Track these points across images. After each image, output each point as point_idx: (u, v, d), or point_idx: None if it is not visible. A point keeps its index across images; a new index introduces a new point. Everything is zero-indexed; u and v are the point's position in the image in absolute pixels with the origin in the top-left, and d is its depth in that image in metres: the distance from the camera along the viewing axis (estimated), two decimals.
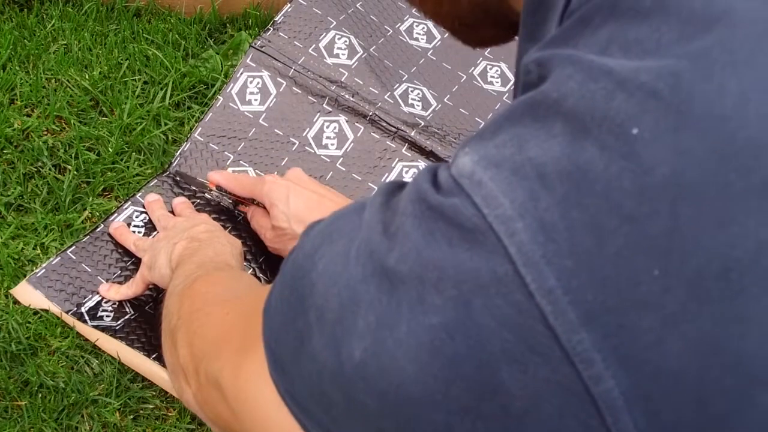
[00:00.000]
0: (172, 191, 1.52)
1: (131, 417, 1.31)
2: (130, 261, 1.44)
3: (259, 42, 1.62)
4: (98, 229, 1.46)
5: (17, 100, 1.60)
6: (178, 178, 1.54)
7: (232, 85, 1.60)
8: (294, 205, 1.36)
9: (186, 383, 0.88)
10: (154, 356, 1.34)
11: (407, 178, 1.54)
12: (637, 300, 0.47)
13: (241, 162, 1.55)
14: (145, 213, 1.48)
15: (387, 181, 0.54)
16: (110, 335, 1.35)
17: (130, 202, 1.49)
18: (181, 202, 1.49)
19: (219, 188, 1.46)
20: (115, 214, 1.48)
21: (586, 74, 0.50)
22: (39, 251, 1.43)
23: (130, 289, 1.39)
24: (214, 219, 1.48)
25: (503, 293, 0.49)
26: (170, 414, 1.32)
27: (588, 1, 0.53)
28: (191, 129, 1.58)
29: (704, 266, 0.47)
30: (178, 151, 1.55)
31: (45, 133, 1.57)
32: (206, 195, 1.52)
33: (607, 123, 0.48)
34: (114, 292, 1.39)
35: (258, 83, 1.60)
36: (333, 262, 0.57)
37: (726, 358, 0.47)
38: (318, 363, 0.57)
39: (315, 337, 0.57)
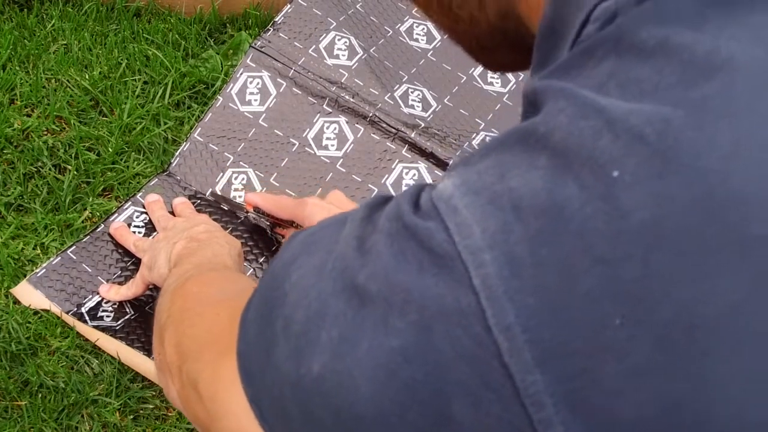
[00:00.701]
0: (173, 191, 1.52)
1: (131, 417, 1.31)
2: (131, 261, 1.44)
3: (259, 42, 1.62)
4: (98, 229, 1.46)
5: (17, 100, 1.60)
6: (179, 178, 1.54)
7: (231, 85, 1.60)
8: None
9: (171, 381, 0.88)
10: (153, 357, 1.34)
11: (407, 179, 1.54)
12: (601, 345, 0.46)
13: (240, 163, 1.55)
14: (146, 213, 1.49)
15: (376, 194, 0.53)
16: (110, 335, 1.35)
17: (130, 202, 1.49)
18: (181, 202, 1.49)
19: (257, 210, 1.43)
20: (116, 214, 1.48)
21: (577, 110, 0.49)
22: (39, 251, 1.43)
23: (130, 290, 1.39)
24: (214, 219, 1.48)
25: (464, 324, 0.48)
26: (170, 414, 1.32)
27: (596, 32, 0.52)
28: (191, 128, 1.58)
29: (672, 320, 0.46)
30: (178, 151, 1.55)
31: (45, 133, 1.57)
32: (206, 196, 1.52)
33: (590, 162, 0.47)
34: (114, 292, 1.39)
35: (258, 83, 1.60)
36: (307, 274, 0.56)
37: (687, 418, 0.46)
38: (280, 374, 0.56)
39: (280, 347, 0.56)
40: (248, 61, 1.61)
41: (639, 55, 0.50)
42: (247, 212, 1.46)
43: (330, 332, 0.52)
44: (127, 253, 1.45)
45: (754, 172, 0.46)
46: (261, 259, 1.46)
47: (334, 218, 0.60)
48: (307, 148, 1.56)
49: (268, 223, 1.47)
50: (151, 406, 1.32)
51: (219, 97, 1.59)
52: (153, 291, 1.41)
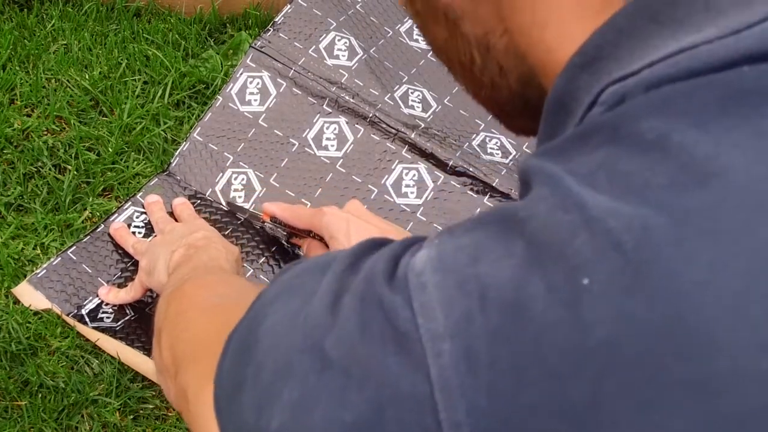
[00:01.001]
0: (173, 191, 1.52)
1: (131, 417, 1.31)
2: (131, 262, 1.44)
3: (259, 42, 1.62)
4: (98, 230, 1.46)
5: (17, 100, 1.60)
6: (179, 177, 1.54)
7: (231, 85, 1.60)
8: (355, 238, 1.30)
9: (168, 383, 0.88)
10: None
11: (407, 179, 1.54)
12: None
13: (240, 163, 1.55)
14: (146, 213, 1.49)
15: (367, 239, 0.52)
16: (110, 336, 1.35)
17: (130, 203, 1.50)
18: (181, 203, 1.49)
19: (273, 219, 1.42)
20: (116, 214, 1.48)
21: (559, 201, 0.47)
22: (39, 251, 1.44)
23: (129, 294, 1.39)
24: (214, 221, 1.49)
25: (416, 411, 0.47)
26: (170, 414, 1.32)
27: (601, 114, 0.51)
28: (191, 128, 1.58)
29: None
30: (178, 151, 1.55)
31: (45, 133, 1.57)
32: (206, 196, 1.52)
33: (562, 261, 0.46)
34: (113, 296, 1.39)
35: (258, 84, 1.60)
36: (281, 323, 0.56)
37: None
38: (242, 419, 0.56)
39: (246, 392, 0.56)
40: (248, 61, 1.61)
41: (635, 147, 0.48)
42: (263, 222, 1.45)
43: (292, 392, 0.51)
44: (127, 253, 1.45)
45: (728, 305, 0.43)
46: (261, 260, 1.46)
47: (320, 261, 0.59)
48: (306, 149, 1.56)
49: (284, 233, 1.47)
50: (151, 406, 1.32)
51: (219, 97, 1.59)
52: (152, 293, 1.41)
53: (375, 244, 0.56)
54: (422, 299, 0.48)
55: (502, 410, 0.45)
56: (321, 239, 1.36)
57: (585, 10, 0.55)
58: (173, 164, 1.54)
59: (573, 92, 0.54)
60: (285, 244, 1.49)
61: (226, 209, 1.52)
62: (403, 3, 0.67)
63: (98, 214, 1.48)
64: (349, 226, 1.31)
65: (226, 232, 1.48)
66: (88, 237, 1.45)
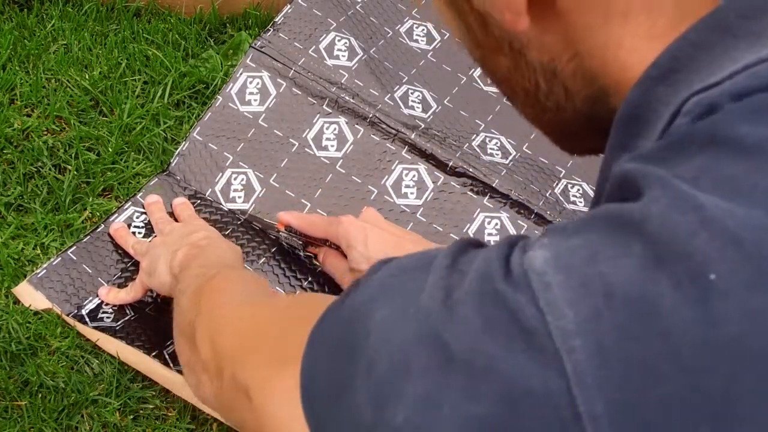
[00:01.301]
0: (173, 191, 1.52)
1: (131, 417, 1.31)
2: (131, 262, 1.44)
3: (259, 42, 1.62)
4: (99, 230, 1.46)
5: (17, 100, 1.60)
6: (179, 177, 1.54)
7: (231, 85, 1.60)
8: (373, 247, 1.32)
9: (207, 379, 0.89)
10: (154, 354, 1.34)
11: (407, 180, 1.54)
12: None
13: (240, 163, 1.55)
14: (146, 214, 1.49)
15: (460, 239, 0.55)
16: (110, 335, 1.35)
17: (130, 203, 1.50)
18: (181, 203, 1.49)
19: (288, 229, 1.42)
20: (116, 215, 1.48)
21: (673, 202, 0.50)
22: (39, 251, 1.44)
23: (129, 294, 1.39)
24: (214, 221, 1.49)
25: (552, 406, 0.49)
26: (170, 414, 1.32)
27: (688, 125, 0.53)
28: (191, 128, 1.58)
29: None
30: (177, 151, 1.55)
31: (45, 133, 1.57)
32: (206, 197, 1.52)
33: (685, 261, 0.48)
34: (113, 296, 1.40)
35: (258, 83, 1.60)
36: (392, 321, 0.57)
37: None
38: (355, 414, 0.57)
39: (360, 388, 0.57)
40: (248, 61, 1.61)
41: (735, 151, 0.50)
42: (279, 231, 1.44)
43: (416, 387, 0.53)
44: (127, 254, 1.45)
45: None
46: (261, 261, 1.46)
47: (417, 261, 0.61)
48: (306, 149, 1.56)
49: (300, 242, 1.46)
50: (151, 406, 1.32)
51: (218, 97, 1.59)
52: (152, 293, 1.41)
53: (468, 243, 0.59)
54: (548, 298, 0.50)
55: (637, 403, 0.47)
56: (337, 248, 1.37)
57: (657, 28, 0.58)
58: (173, 164, 1.54)
59: (649, 103, 0.57)
60: (300, 253, 1.49)
61: (226, 209, 1.52)
62: (461, 38, 0.68)
63: (98, 214, 1.48)
64: (366, 234, 1.32)
65: (226, 232, 1.48)
66: (89, 237, 1.45)
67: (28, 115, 1.58)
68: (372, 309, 0.59)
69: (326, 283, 1.45)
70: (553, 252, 0.52)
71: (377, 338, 0.57)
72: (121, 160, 1.55)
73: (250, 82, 1.60)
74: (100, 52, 1.68)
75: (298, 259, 1.48)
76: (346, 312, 0.62)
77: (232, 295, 0.98)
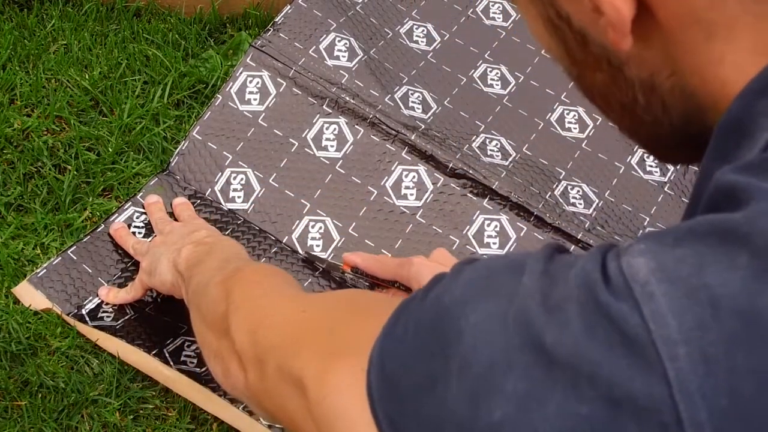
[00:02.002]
0: (173, 190, 1.52)
1: (131, 417, 1.31)
2: (131, 262, 1.44)
3: (259, 42, 1.62)
4: (99, 229, 1.46)
5: (17, 100, 1.60)
6: (178, 177, 1.54)
7: (231, 84, 1.60)
8: None
9: (240, 369, 0.90)
10: (154, 352, 1.34)
11: (407, 181, 1.54)
12: None
13: (239, 162, 1.55)
14: (146, 214, 1.49)
15: (547, 244, 0.57)
16: (110, 334, 1.35)
17: (130, 203, 1.50)
18: (181, 203, 1.49)
19: (355, 270, 1.39)
20: (116, 215, 1.48)
21: None
22: (39, 251, 1.44)
23: (129, 294, 1.39)
24: (214, 220, 1.49)
25: (654, 410, 0.50)
26: (170, 414, 1.32)
27: None
28: (189, 128, 1.58)
29: None
30: (177, 150, 1.55)
31: (45, 133, 1.57)
32: (206, 196, 1.52)
33: None
34: (113, 296, 1.40)
35: (258, 83, 1.60)
36: (488, 321, 0.58)
37: None
38: (446, 410, 0.58)
39: (452, 384, 0.58)
40: (248, 60, 1.61)
41: None
42: (344, 273, 1.43)
43: (516, 384, 0.54)
44: (127, 254, 1.45)
45: None
46: (262, 260, 1.46)
47: (506, 263, 0.62)
48: (306, 149, 1.57)
49: (366, 283, 1.44)
50: (151, 406, 1.32)
51: (218, 96, 1.59)
52: (152, 292, 1.41)
53: (556, 248, 0.60)
54: (652, 307, 0.51)
55: (744, 411, 0.49)
56: (407, 289, 1.35)
57: (759, 45, 0.58)
58: (172, 163, 1.54)
59: (751, 116, 0.58)
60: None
61: (225, 209, 1.52)
62: (558, 57, 0.68)
63: (98, 214, 1.48)
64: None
65: (226, 233, 1.48)
66: (89, 237, 1.45)
67: (28, 115, 1.59)
68: (465, 309, 0.60)
69: (326, 285, 1.45)
70: (657, 261, 0.53)
71: (473, 338, 0.58)
72: (121, 160, 1.55)
73: (250, 82, 1.60)
74: (100, 52, 1.68)
75: (298, 261, 1.48)
76: (431, 310, 0.63)
77: (269, 288, 0.99)
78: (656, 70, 0.62)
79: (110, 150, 1.54)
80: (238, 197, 1.53)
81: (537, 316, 0.55)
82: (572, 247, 1.51)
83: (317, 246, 1.49)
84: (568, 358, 0.53)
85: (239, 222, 1.51)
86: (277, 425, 1.29)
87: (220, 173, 1.54)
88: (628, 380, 0.51)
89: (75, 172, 1.51)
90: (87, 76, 1.63)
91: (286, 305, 0.91)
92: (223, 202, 1.52)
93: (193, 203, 1.50)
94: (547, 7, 0.64)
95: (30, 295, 1.38)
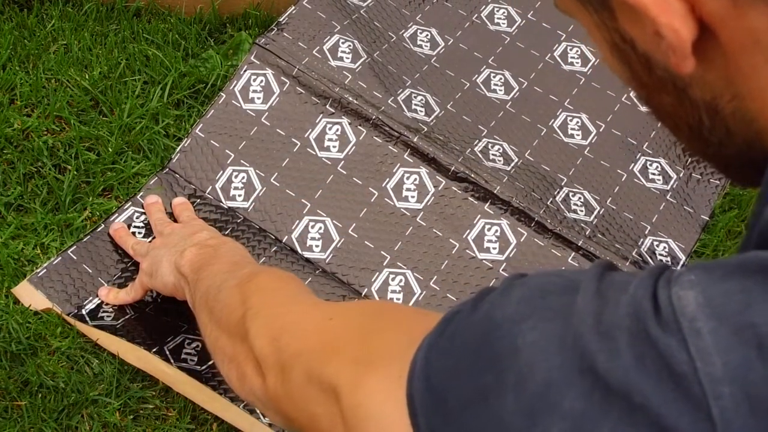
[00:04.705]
0: (172, 190, 1.51)
1: (131, 417, 1.30)
2: (131, 262, 1.44)
3: (263, 40, 1.61)
4: (99, 229, 1.45)
5: (17, 100, 1.59)
6: (179, 174, 1.53)
7: (235, 82, 1.59)
8: None
9: (257, 374, 0.90)
10: (154, 350, 1.34)
11: (408, 183, 1.54)
12: None
13: (241, 161, 1.55)
14: (146, 214, 1.48)
15: (598, 262, 0.59)
16: (110, 333, 1.34)
17: (130, 203, 1.49)
18: (180, 203, 1.49)
19: None
20: (116, 215, 1.47)
21: None
22: (39, 251, 1.43)
23: (129, 295, 1.39)
24: (213, 220, 1.48)
25: None
26: (170, 414, 1.31)
27: None
28: (191, 126, 1.58)
29: None
30: (179, 147, 1.55)
31: (45, 133, 1.56)
32: (206, 194, 1.52)
33: None
34: (113, 296, 1.39)
35: (261, 81, 1.59)
36: (545, 341, 0.59)
37: None
38: (499, 424, 0.59)
39: (507, 399, 0.59)
40: (252, 58, 1.60)
41: None
42: None
43: (573, 404, 0.55)
44: (127, 254, 1.44)
45: None
46: (261, 261, 1.46)
47: (562, 282, 0.63)
48: (308, 149, 1.56)
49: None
50: (151, 406, 1.32)
51: (222, 94, 1.59)
52: (152, 293, 1.40)
53: (607, 266, 0.62)
54: (698, 344, 0.52)
55: None
56: None
57: None
58: (174, 160, 1.54)
59: None
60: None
61: (225, 207, 1.52)
62: (627, 81, 0.68)
63: (98, 213, 1.48)
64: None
65: (226, 232, 1.48)
66: (89, 237, 1.44)
67: (28, 115, 1.58)
68: (521, 327, 0.61)
69: (325, 284, 1.45)
70: (705, 296, 0.53)
71: (530, 357, 0.59)
72: (121, 160, 1.54)
73: (254, 80, 1.59)
74: (100, 52, 1.67)
75: (298, 260, 1.47)
76: (481, 324, 0.64)
77: (289, 295, 1.00)
78: (718, 93, 0.62)
79: (110, 150, 1.53)
80: (239, 195, 1.52)
81: (590, 342, 0.56)
82: (572, 255, 1.51)
83: (317, 246, 1.49)
84: (620, 386, 0.54)
85: (239, 221, 1.50)
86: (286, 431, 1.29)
87: (221, 171, 1.54)
88: (676, 415, 0.52)
89: (75, 172, 1.50)
90: (87, 76, 1.62)
91: (310, 313, 0.91)
92: (223, 200, 1.52)
93: (192, 203, 1.50)
94: (612, 32, 0.64)
95: (30, 295, 1.37)
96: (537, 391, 0.57)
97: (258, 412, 1.30)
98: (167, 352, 1.34)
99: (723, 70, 0.60)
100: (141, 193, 1.50)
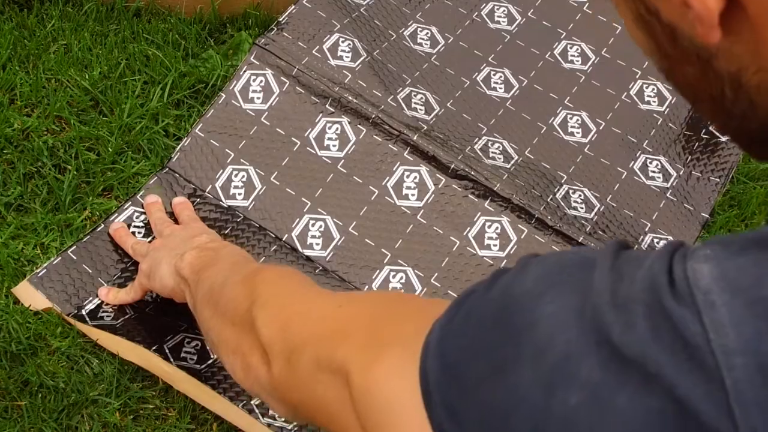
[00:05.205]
0: (172, 189, 1.51)
1: (131, 417, 1.30)
2: (130, 262, 1.44)
3: (263, 40, 1.61)
4: (99, 229, 1.45)
5: (17, 100, 1.59)
6: (178, 173, 1.53)
7: (235, 82, 1.59)
8: None
9: (262, 362, 0.91)
10: (154, 348, 1.34)
11: (408, 182, 1.54)
12: None
13: (241, 160, 1.55)
14: (146, 214, 1.48)
15: (614, 241, 0.61)
16: (110, 332, 1.34)
17: (130, 202, 1.49)
18: (180, 203, 1.49)
19: None
20: (116, 214, 1.47)
21: None
22: (39, 251, 1.43)
23: (128, 295, 1.39)
24: (213, 219, 1.49)
25: (714, 416, 0.52)
26: (170, 414, 1.31)
27: None
28: (192, 125, 1.58)
29: None
30: (178, 146, 1.55)
31: (45, 133, 1.56)
32: (206, 193, 1.52)
33: None
34: (113, 296, 1.39)
35: (261, 81, 1.59)
36: (564, 312, 0.60)
37: None
38: (517, 396, 0.60)
39: (524, 372, 0.60)
40: (252, 58, 1.61)
41: None
42: None
43: (591, 374, 0.57)
44: (127, 253, 1.44)
45: None
46: (261, 259, 1.46)
47: (575, 257, 0.65)
48: (308, 148, 1.56)
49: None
50: (151, 406, 1.32)
51: (222, 94, 1.59)
52: (152, 293, 1.40)
53: (620, 246, 0.63)
54: (712, 316, 0.54)
55: None
56: None
57: None
58: (173, 159, 1.54)
59: None
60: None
61: (225, 206, 1.52)
62: (650, 52, 0.69)
63: (98, 213, 1.48)
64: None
65: (226, 231, 1.48)
66: (89, 236, 1.44)
67: (28, 115, 1.58)
68: (539, 301, 0.62)
69: (326, 283, 1.45)
70: (720, 269, 0.55)
71: (549, 328, 0.60)
72: (121, 160, 1.54)
73: (254, 80, 1.59)
74: (100, 52, 1.67)
75: (298, 259, 1.47)
76: (498, 300, 0.65)
77: (296, 285, 1.00)
78: (744, 65, 0.62)
79: (110, 150, 1.53)
80: (239, 194, 1.52)
81: (607, 314, 0.57)
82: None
83: (317, 244, 1.49)
84: (636, 357, 0.55)
85: (239, 220, 1.50)
86: (289, 423, 1.29)
87: (221, 170, 1.54)
88: (690, 385, 0.53)
89: (75, 172, 1.50)
90: (87, 76, 1.62)
91: (319, 301, 0.92)
92: (223, 199, 1.52)
93: (192, 202, 1.50)
94: (637, 2, 0.64)
95: (30, 295, 1.37)
96: (555, 362, 0.58)
97: (257, 412, 1.31)
98: (167, 351, 1.34)
99: (750, 43, 0.60)
100: (141, 193, 1.50)
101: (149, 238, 1.45)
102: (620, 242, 0.63)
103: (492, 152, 1.59)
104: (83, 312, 1.37)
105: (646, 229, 1.58)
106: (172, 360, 1.33)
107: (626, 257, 0.61)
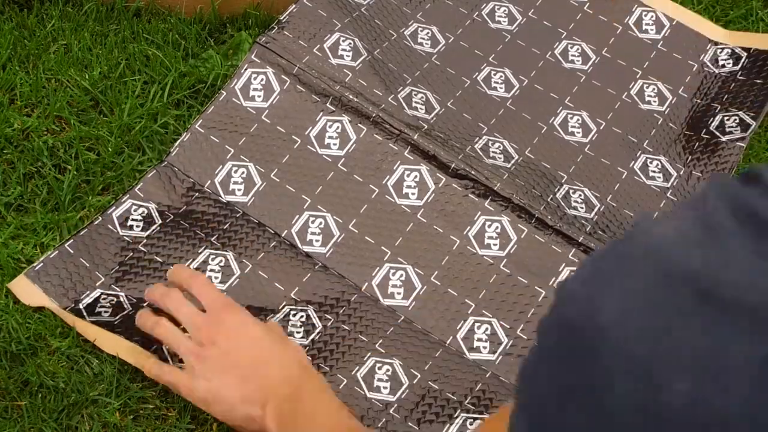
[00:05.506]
0: (170, 183, 1.51)
1: (131, 417, 1.30)
2: (128, 256, 1.44)
3: (263, 39, 1.62)
4: (96, 222, 1.45)
5: (17, 100, 1.59)
6: (177, 168, 1.53)
7: (235, 80, 1.60)
8: None
9: None
10: (153, 348, 1.33)
11: (409, 181, 1.54)
12: None
13: (241, 156, 1.55)
14: (144, 207, 1.48)
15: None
16: (108, 330, 1.34)
17: (128, 195, 1.49)
18: (191, 276, 1.37)
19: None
20: (113, 207, 1.47)
21: None
22: (39, 251, 1.43)
23: (162, 376, 1.30)
24: (212, 214, 1.49)
25: None
26: (170, 414, 1.31)
27: None
28: (193, 119, 1.58)
29: None
30: (178, 141, 1.55)
31: (45, 133, 1.56)
32: (205, 188, 1.52)
33: None
34: (149, 367, 1.31)
35: (262, 80, 1.60)
36: (631, 298, 0.57)
37: None
38: (622, 400, 0.55)
39: (618, 377, 0.55)
40: (253, 56, 1.61)
41: None
42: None
43: (696, 343, 0.54)
44: (124, 247, 1.44)
45: None
46: (260, 256, 1.46)
47: (612, 254, 0.62)
48: (308, 146, 1.56)
49: None
50: (151, 406, 1.31)
51: (222, 92, 1.59)
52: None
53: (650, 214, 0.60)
54: None
55: None
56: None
57: None
58: (172, 153, 1.54)
59: None
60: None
61: (224, 201, 1.51)
62: None
63: (96, 212, 1.48)
64: None
65: (225, 226, 1.47)
66: (86, 230, 1.44)
67: (28, 115, 1.58)
68: (593, 307, 0.58)
69: (324, 280, 1.45)
70: None
71: (619, 326, 0.56)
72: (121, 159, 1.54)
73: (255, 78, 1.60)
74: (100, 52, 1.67)
75: (297, 255, 1.47)
76: (557, 335, 0.61)
77: None
78: None
79: (110, 150, 1.53)
80: (238, 190, 1.52)
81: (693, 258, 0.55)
82: (572, 251, 1.50)
83: (316, 241, 1.49)
84: (745, 300, 0.53)
85: (238, 215, 1.50)
86: None
87: (221, 166, 1.54)
88: None
89: (75, 172, 1.50)
90: (87, 76, 1.62)
91: None
92: (222, 194, 1.52)
93: (191, 196, 1.50)
94: None
95: (26, 290, 1.37)
96: (643, 358, 0.55)
97: None
98: (166, 351, 1.34)
99: None
100: (139, 185, 1.50)
101: (150, 232, 1.45)
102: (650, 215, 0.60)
103: (492, 152, 1.59)
104: (80, 306, 1.37)
105: None
106: (171, 361, 1.33)
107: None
